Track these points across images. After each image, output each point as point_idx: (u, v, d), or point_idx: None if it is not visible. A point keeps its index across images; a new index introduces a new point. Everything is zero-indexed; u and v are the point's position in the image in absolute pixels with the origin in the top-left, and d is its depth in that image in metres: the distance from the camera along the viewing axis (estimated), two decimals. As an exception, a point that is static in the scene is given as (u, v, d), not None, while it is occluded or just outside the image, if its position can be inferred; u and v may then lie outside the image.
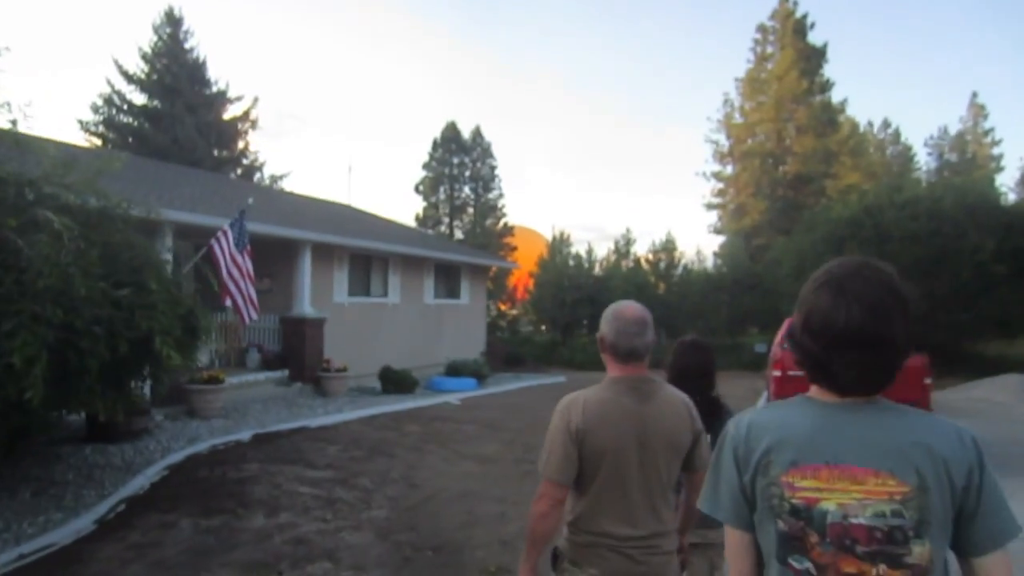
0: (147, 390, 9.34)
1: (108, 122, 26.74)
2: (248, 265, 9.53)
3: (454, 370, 15.89)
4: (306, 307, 12.63)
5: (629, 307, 2.40)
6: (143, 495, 6.02)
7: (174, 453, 7.33)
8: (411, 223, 35.21)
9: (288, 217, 13.53)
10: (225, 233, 9.46)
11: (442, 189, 37.49)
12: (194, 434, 8.32)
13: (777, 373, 9.46)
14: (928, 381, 9.00)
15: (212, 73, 28.56)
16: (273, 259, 13.16)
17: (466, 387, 14.84)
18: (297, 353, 12.47)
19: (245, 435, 8.37)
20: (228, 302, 9.54)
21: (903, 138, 47.95)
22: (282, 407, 10.72)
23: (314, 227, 13.31)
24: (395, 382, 13.34)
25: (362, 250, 14.54)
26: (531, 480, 7.42)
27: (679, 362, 3.40)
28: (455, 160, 37.52)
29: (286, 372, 12.39)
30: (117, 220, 4.98)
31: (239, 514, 5.58)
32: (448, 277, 18.61)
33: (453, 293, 18.81)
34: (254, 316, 9.65)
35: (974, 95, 48.06)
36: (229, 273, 9.44)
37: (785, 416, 1.46)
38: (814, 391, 1.47)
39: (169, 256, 9.82)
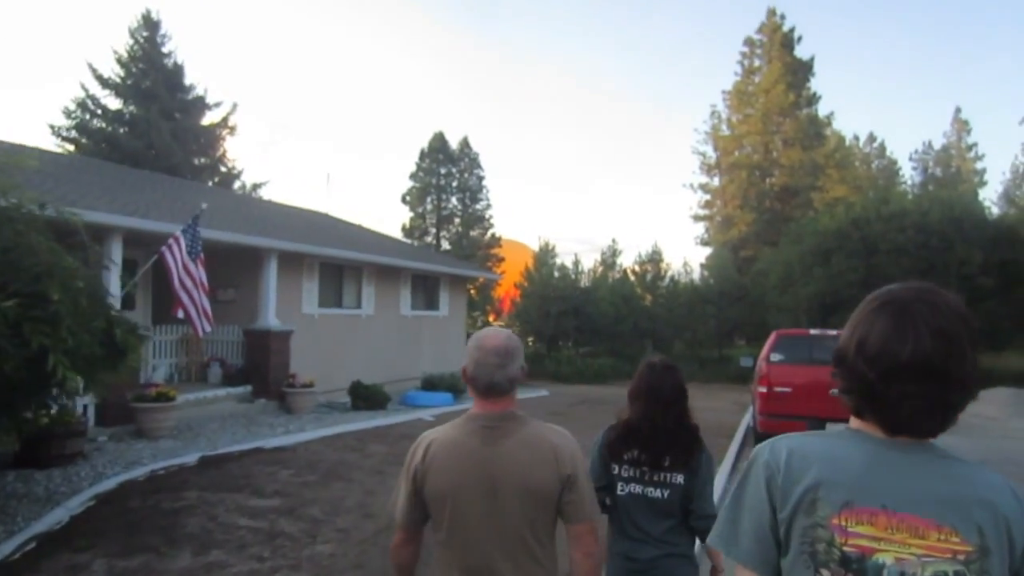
0: (88, 410, 8.78)
1: (81, 127, 26.06)
2: (201, 274, 8.95)
3: (430, 384, 15.29)
4: (271, 319, 12.01)
5: (491, 336, 2.13)
6: (59, 530, 5.40)
7: (107, 480, 6.70)
8: (398, 234, 34.76)
9: (254, 224, 12.93)
10: (177, 240, 8.89)
11: (429, 200, 37.24)
12: (135, 457, 7.69)
13: (763, 389, 8.96)
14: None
15: (191, 79, 28.00)
16: (238, 268, 12.57)
17: (442, 402, 14.25)
18: (261, 368, 11.84)
19: (191, 458, 7.74)
20: (180, 313, 8.95)
21: (888, 152, 48.17)
22: (241, 426, 10.09)
23: (281, 235, 12.72)
24: (365, 398, 12.72)
25: (334, 259, 13.94)
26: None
27: (647, 385, 2.88)
28: (442, 170, 37.31)
29: (249, 388, 11.75)
30: (18, 222, 4.39)
31: (163, 552, 4.97)
32: (427, 288, 18.03)
33: (432, 304, 18.23)
34: (208, 328, 9.06)
35: (958, 110, 48.33)
36: (181, 283, 8.86)
37: (833, 448, 1.26)
38: (858, 423, 1.28)
39: (115, 265, 9.25)
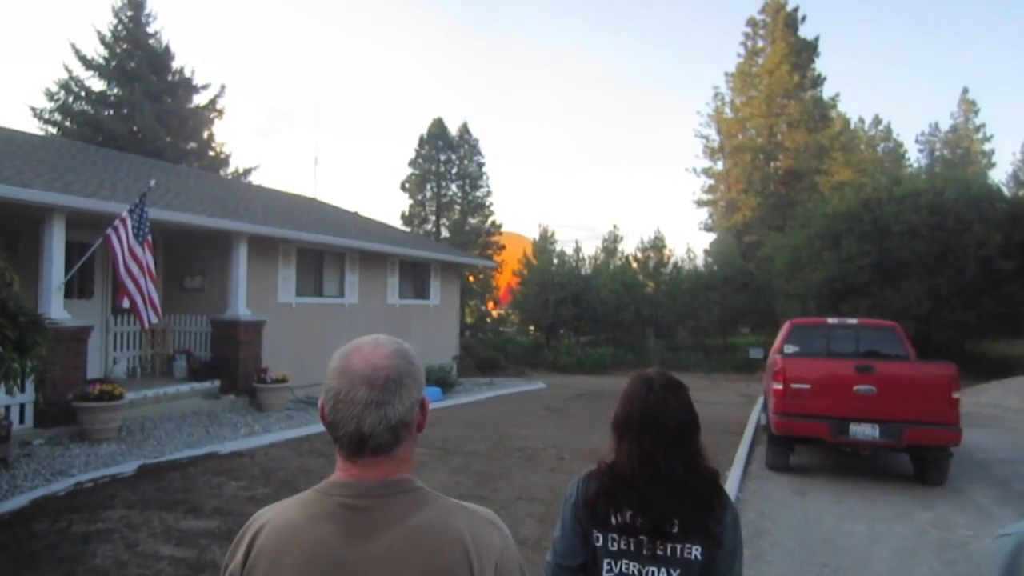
0: (25, 410, 7.87)
1: (64, 109, 25.12)
2: (149, 260, 8.02)
3: (417, 378, 14.34)
4: (240, 308, 11.07)
5: (366, 351, 1.26)
6: (-63, 564, 4.50)
7: (20, 495, 5.77)
8: (397, 222, 33.90)
9: (224, 206, 11.97)
10: (124, 221, 7.95)
11: (428, 187, 36.58)
12: (65, 466, 6.77)
13: (778, 386, 8.01)
14: (956, 395, 7.54)
15: (180, 61, 27.06)
16: (206, 254, 11.65)
17: (429, 397, 13.30)
18: (230, 361, 10.91)
19: (130, 467, 6.82)
20: (125, 303, 8.02)
21: (894, 134, 47.28)
22: (201, 426, 9.16)
23: (252, 218, 11.76)
24: (345, 393, 11.78)
25: (313, 244, 12.99)
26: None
27: (642, 414, 1.94)
28: (442, 157, 36.63)
29: (217, 383, 10.82)
30: None
31: (55, 595, 4.07)
32: (416, 275, 17.09)
33: (421, 293, 17.29)
34: (154, 320, 8.13)
35: (965, 90, 47.55)
36: (127, 269, 7.93)
37: None
38: None
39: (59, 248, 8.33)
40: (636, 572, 1.83)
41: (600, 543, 1.87)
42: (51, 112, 25.10)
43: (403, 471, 1.23)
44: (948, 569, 5.34)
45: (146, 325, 8.13)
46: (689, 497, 1.84)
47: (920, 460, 7.94)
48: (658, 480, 1.83)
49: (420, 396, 1.26)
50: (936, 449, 7.65)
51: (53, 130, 24.63)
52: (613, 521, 1.86)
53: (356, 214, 21.12)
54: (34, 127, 24.27)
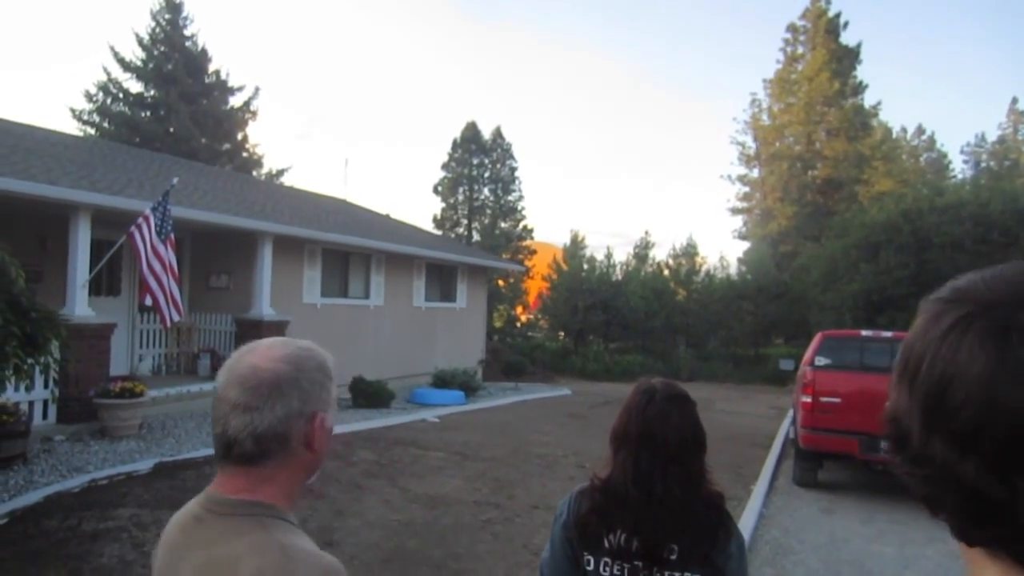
0: (48, 408, 7.94)
1: (102, 111, 25.65)
2: (171, 258, 8.02)
3: (441, 381, 14.27)
4: (264, 308, 11.09)
5: (259, 351, 1.15)
6: (-56, 559, 4.49)
7: (33, 491, 5.78)
8: (429, 225, 34.01)
9: (250, 207, 12.02)
10: (147, 219, 7.98)
11: (461, 190, 36.58)
12: (82, 462, 6.77)
13: (807, 399, 7.75)
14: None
15: (216, 63, 27.45)
16: (232, 253, 11.71)
17: (452, 401, 13.22)
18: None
19: (146, 465, 6.81)
20: (148, 300, 8.04)
21: (938, 144, 46.11)
22: (221, 424, 9.17)
23: (277, 218, 11.79)
24: (367, 395, 11.75)
25: (339, 245, 12.99)
26: (488, 533, 5.80)
27: (639, 427, 1.80)
28: (475, 161, 36.62)
29: (240, 382, 10.84)
30: None
31: (55, 595, 4.03)
32: (443, 278, 17.03)
33: (448, 296, 17.22)
34: (176, 318, 8.14)
35: (1014, 100, 46.17)
36: (150, 267, 7.95)
37: None
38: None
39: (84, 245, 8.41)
40: None
41: (591, 567, 1.72)
42: (90, 113, 25.66)
43: (262, 493, 1.08)
44: (983, 598, 5.05)
45: (167, 323, 8.15)
46: (689, 522, 1.69)
47: (955, 481, 7.60)
48: (653, 501, 1.68)
49: (309, 409, 1.11)
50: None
51: (92, 131, 25.14)
52: (606, 543, 1.71)
53: (387, 216, 21.16)
54: (73, 128, 24.82)
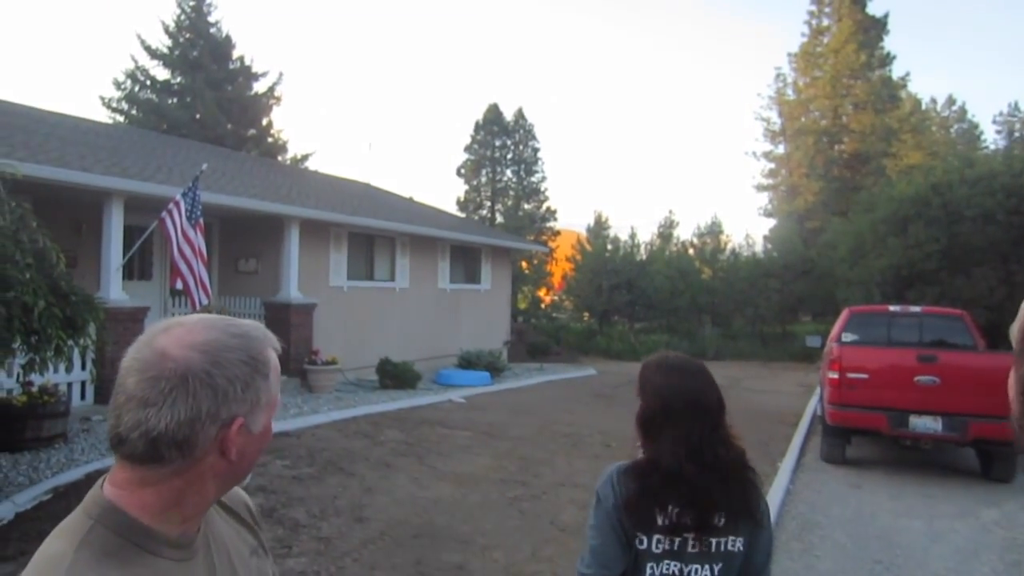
0: (86, 388, 8.16)
1: (130, 98, 26.01)
2: (200, 242, 8.17)
3: (467, 362, 14.39)
4: (292, 291, 11.25)
5: (178, 331, 0.95)
6: (-8, 532, 4.67)
7: (75, 468, 5.98)
8: (453, 207, 34.11)
9: (276, 191, 12.16)
10: (177, 204, 8.12)
11: (484, 172, 36.61)
12: (120, 442, 6.99)
13: (834, 375, 7.71)
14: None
15: (240, 49, 27.63)
16: (260, 238, 11.85)
17: (477, 381, 13.33)
18: (281, 343, 11.08)
19: (181, 444, 7.00)
20: (178, 284, 8.20)
21: (969, 115, 45.00)
22: (253, 405, 9.36)
23: (304, 202, 11.91)
24: (394, 376, 11.89)
25: (364, 229, 13.10)
26: (515, 511, 5.89)
27: (686, 398, 1.84)
28: (497, 142, 36.57)
29: (269, 364, 11.04)
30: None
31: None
32: (467, 260, 17.11)
33: (472, 278, 17.31)
34: (205, 301, 8.29)
35: (1052, 67, 44.72)
36: (180, 251, 8.10)
37: None
38: None
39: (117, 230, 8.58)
40: (677, 572, 1.74)
41: (644, 546, 1.75)
42: (119, 101, 26.01)
43: (135, 497, 0.90)
44: (1011, 571, 5.05)
45: (197, 306, 8.31)
46: (730, 481, 1.76)
47: (986, 455, 7.56)
48: (706, 468, 1.74)
49: (226, 413, 0.92)
50: (1004, 444, 7.27)
51: (120, 118, 25.50)
52: (659, 521, 1.74)
53: (411, 199, 21.25)
54: (103, 115, 25.19)
